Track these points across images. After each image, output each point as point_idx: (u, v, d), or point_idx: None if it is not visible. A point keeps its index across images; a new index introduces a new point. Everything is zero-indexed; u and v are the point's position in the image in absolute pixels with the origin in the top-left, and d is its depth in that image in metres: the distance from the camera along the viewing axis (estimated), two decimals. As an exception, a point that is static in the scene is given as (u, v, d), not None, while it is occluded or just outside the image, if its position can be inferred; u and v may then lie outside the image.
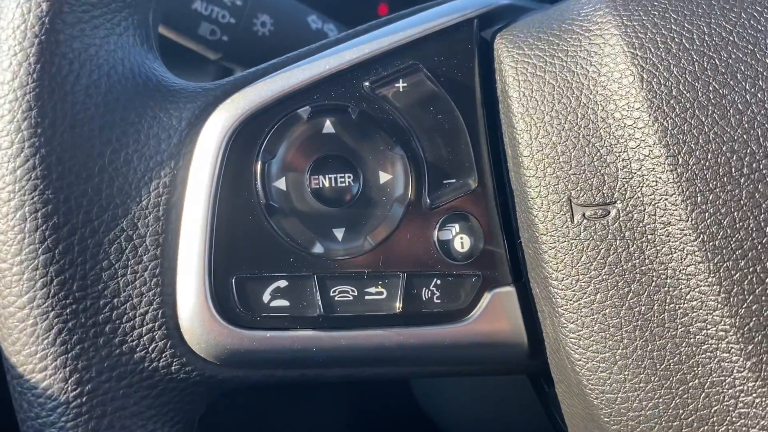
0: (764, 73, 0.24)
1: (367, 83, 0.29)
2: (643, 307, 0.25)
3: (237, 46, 0.42)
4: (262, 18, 0.41)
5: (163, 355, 0.27)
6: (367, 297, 0.28)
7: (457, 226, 0.29)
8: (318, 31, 0.44)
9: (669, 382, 0.25)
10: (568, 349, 0.26)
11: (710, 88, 0.25)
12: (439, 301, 0.29)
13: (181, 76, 0.38)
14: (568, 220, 0.27)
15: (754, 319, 0.24)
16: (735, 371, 0.24)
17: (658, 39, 0.26)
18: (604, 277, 0.26)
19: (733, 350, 0.24)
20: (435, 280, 0.29)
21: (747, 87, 0.24)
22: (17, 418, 0.27)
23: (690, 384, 0.25)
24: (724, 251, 0.24)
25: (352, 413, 0.70)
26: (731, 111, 0.24)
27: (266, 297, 0.28)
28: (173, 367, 0.27)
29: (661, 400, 0.25)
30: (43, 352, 0.26)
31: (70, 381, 0.26)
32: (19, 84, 0.25)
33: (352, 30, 0.32)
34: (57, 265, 0.25)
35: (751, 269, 0.24)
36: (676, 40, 0.25)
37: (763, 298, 0.23)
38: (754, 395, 0.23)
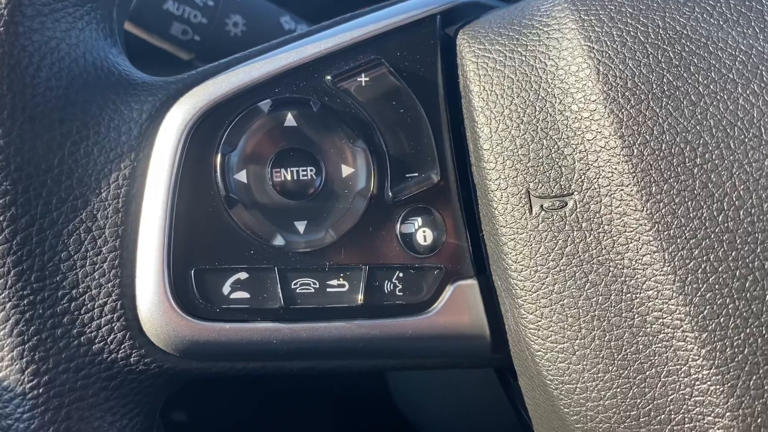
0: (716, 65, 0.25)
1: (329, 77, 0.29)
2: (600, 297, 0.26)
3: (209, 46, 0.42)
4: (234, 18, 0.42)
5: (122, 347, 0.27)
6: (328, 289, 0.29)
7: (419, 219, 0.29)
8: (290, 31, 0.44)
9: (626, 372, 0.25)
10: (527, 340, 0.27)
11: (664, 81, 0.25)
12: (401, 293, 0.29)
13: (153, 74, 0.39)
14: (527, 212, 0.27)
15: (707, 307, 0.24)
16: (690, 360, 0.24)
17: (614, 33, 0.26)
18: (561, 267, 0.26)
19: (688, 339, 0.24)
20: (397, 272, 0.29)
21: (699, 79, 0.25)
22: None
23: (647, 373, 0.25)
24: (679, 241, 0.24)
25: (335, 421, 0.70)
26: (685, 102, 0.25)
27: (226, 289, 0.28)
28: (132, 359, 0.27)
29: (619, 389, 0.25)
30: (8, 346, 0.26)
31: (26, 372, 0.26)
32: None
33: (317, 25, 0.32)
34: (14, 256, 0.26)
35: (704, 258, 0.24)
36: (632, 33, 0.26)
37: (717, 286, 0.24)
38: (709, 383, 0.24)
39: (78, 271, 0.27)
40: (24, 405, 0.26)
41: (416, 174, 0.29)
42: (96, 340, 0.27)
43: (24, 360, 0.26)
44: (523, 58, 0.27)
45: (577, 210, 0.26)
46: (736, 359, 0.24)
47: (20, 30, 0.25)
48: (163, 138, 0.28)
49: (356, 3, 0.57)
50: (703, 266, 0.24)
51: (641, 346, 0.25)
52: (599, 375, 0.25)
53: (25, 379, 0.26)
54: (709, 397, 0.24)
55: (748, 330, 0.24)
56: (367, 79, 0.29)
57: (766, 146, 0.24)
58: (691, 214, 0.24)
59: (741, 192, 0.24)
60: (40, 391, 0.26)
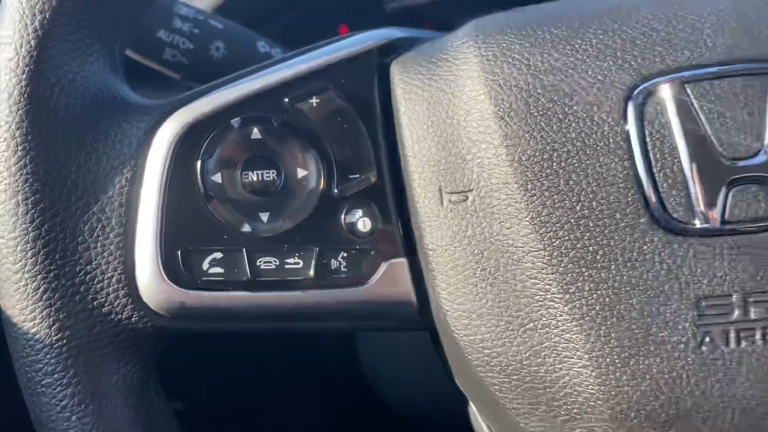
0: (578, 91, 0.31)
1: (287, 99, 0.35)
2: (492, 269, 0.32)
3: (196, 68, 0.47)
4: (217, 43, 0.47)
5: (125, 309, 0.33)
6: (286, 266, 0.34)
7: (360, 210, 0.35)
8: (266, 54, 0.50)
9: (512, 326, 0.32)
10: (441, 304, 0.33)
11: (540, 102, 0.32)
12: (344, 269, 0.35)
13: (150, 92, 0.45)
14: (439, 204, 0.33)
15: (569, 275, 0.30)
16: (558, 315, 0.31)
17: (504, 66, 0.32)
18: (464, 246, 0.33)
19: (555, 299, 0.31)
20: (342, 253, 0.35)
21: (566, 101, 0.31)
22: (12, 360, 0.33)
23: (527, 326, 0.31)
24: (548, 225, 0.31)
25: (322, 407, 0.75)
26: (554, 119, 0.31)
27: (205, 265, 0.34)
28: (133, 319, 0.33)
29: (507, 339, 0.32)
30: (32, 306, 0.32)
31: (53, 328, 0.32)
32: (14, 102, 0.32)
33: (282, 56, 0.39)
34: (43, 240, 0.32)
35: (567, 238, 0.31)
36: (516, 66, 0.32)
37: (575, 260, 0.30)
38: (572, 333, 0.30)
39: (91, 252, 0.33)
40: (51, 353, 0.32)
41: (358, 175, 0.35)
42: (105, 305, 0.33)
43: (51, 319, 0.32)
44: (438, 85, 0.33)
45: (475, 202, 0.32)
46: (590, 314, 0.30)
47: (46, 67, 0.32)
48: (156, 148, 0.34)
49: (317, 27, 0.63)
50: (565, 244, 0.31)
51: (522, 306, 0.31)
52: (492, 329, 0.32)
53: (52, 333, 0.32)
54: (572, 344, 0.31)
55: (599, 292, 0.30)
56: (318, 100, 0.35)
57: (612, 153, 0.31)
58: (557, 205, 0.31)
59: (594, 188, 0.31)
60: (63, 342, 0.32)
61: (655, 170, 0.30)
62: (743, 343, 0.29)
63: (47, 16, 0.31)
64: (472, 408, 0.37)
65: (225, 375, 0.69)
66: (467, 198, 0.33)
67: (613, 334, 0.30)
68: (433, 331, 0.37)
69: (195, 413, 0.56)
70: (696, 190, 0.30)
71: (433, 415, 0.46)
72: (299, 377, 0.64)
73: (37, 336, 0.32)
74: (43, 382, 0.32)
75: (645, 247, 0.30)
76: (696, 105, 0.30)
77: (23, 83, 0.32)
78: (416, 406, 0.52)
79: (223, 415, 0.65)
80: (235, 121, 0.34)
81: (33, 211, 0.32)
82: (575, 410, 0.31)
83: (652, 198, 0.30)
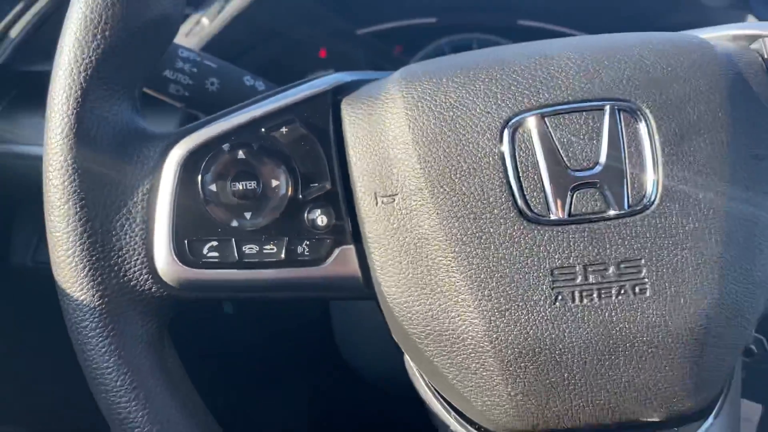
0: (469, 122, 0.40)
1: (263, 129, 0.42)
2: (411, 251, 0.40)
3: (195, 99, 0.56)
4: (212, 79, 0.56)
5: (147, 283, 0.41)
6: (264, 251, 0.42)
7: (319, 210, 0.43)
8: (251, 86, 0.58)
9: (425, 291, 0.40)
10: (377, 278, 0.42)
11: (443, 131, 0.40)
12: (307, 253, 0.42)
13: (160, 116, 0.55)
14: (375, 205, 0.41)
15: (463, 253, 0.39)
16: (456, 282, 0.39)
17: (419, 104, 0.41)
18: (392, 235, 0.41)
19: (454, 271, 0.39)
20: (305, 241, 0.43)
21: (461, 130, 0.40)
22: (66, 321, 0.42)
23: (436, 291, 0.40)
24: (448, 218, 0.39)
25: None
26: (452, 143, 0.40)
27: (205, 251, 0.42)
28: (152, 290, 0.42)
29: (422, 301, 0.40)
30: (80, 281, 0.40)
31: (94, 297, 0.40)
32: (65, 134, 0.40)
33: (262, 94, 0.47)
34: (87, 233, 0.40)
35: (461, 226, 0.39)
36: (427, 104, 0.41)
37: (465, 238, 0.39)
38: (466, 294, 0.39)
39: (121, 241, 0.41)
40: (93, 314, 0.40)
41: (317, 184, 0.43)
42: (132, 280, 0.41)
43: (93, 290, 0.40)
44: (374, 118, 0.42)
45: (400, 203, 0.41)
46: (477, 280, 0.39)
47: (87, 108, 0.40)
48: (167, 167, 0.42)
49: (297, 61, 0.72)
50: (460, 232, 0.39)
51: (432, 277, 0.40)
52: (412, 294, 0.40)
53: (94, 300, 0.40)
54: (466, 303, 0.39)
55: (484, 265, 0.39)
56: (286, 130, 0.43)
57: (492, 167, 0.41)
58: (454, 205, 0.39)
59: (479, 191, 0.40)
60: (102, 307, 0.40)
61: (522, 179, 0.40)
62: (585, 300, 0.39)
63: (89, 72, 0.40)
64: (407, 358, 0.47)
65: (214, 347, 0.78)
66: (394, 200, 0.41)
67: (493, 295, 0.39)
68: (376, 300, 0.45)
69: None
70: (550, 192, 0.39)
71: (390, 376, 0.54)
72: (279, 349, 0.73)
73: (84, 302, 0.40)
74: (88, 335, 0.41)
75: (515, 233, 0.40)
76: (552, 132, 0.40)
77: (72, 121, 0.40)
78: (378, 369, 0.60)
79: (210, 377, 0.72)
80: (225, 146, 0.42)
81: (80, 212, 0.40)
82: (470, 350, 0.40)
83: (519, 199, 0.39)
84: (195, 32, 0.75)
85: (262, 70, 0.83)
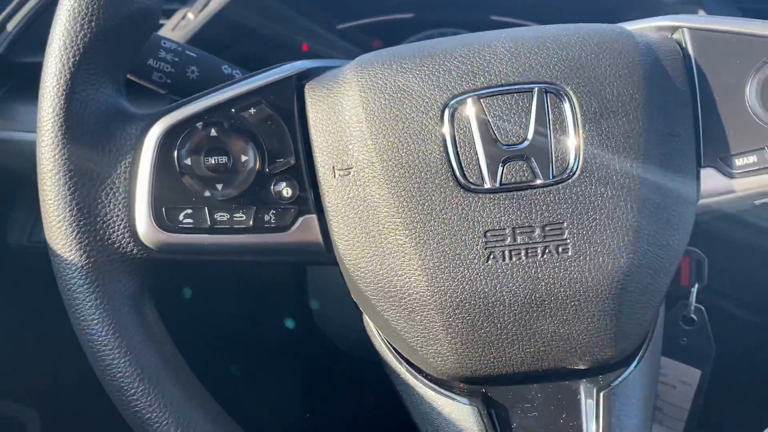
0: (415, 104, 0.44)
1: (233, 109, 0.46)
2: (364, 217, 0.45)
3: (177, 86, 0.59)
4: (192, 68, 0.59)
5: (129, 245, 0.46)
6: (234, 218, 0.46)
7: (284, 183, 0.46)
8: (229, 74, 0.61)
9: (377, 253, 0.45)
10: (335, 242, 0.47)
11: (392, 111, 0.45)
12: (273, 221, 0.46)
13: (144, 101, 0.59)
14: (333, 177, 0.45)
15: (408, 218, 0.44)
16: (403, 244, 0.44)
17: (371, 88, 0.45)
18: (348, 204, 0.45)
19: (401, 234, 0.44)
20: (272, 210, 0.46)
21: (407, 111, 0.45)
22: (56, 280, 0.46)
23: (386, 252, 0.44)
24: (396, 188, 0.44)
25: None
26: (399, 122, 0.44)
27: (181, 217, 0.45)
28: (134, 252, 0.46)
29: (374, 262, 0.45)
30: (71, 243, 0.44)
31: (82, 257, 0.45)
32: (56, 114, 0.44)
33: (234, 79, 0.50)
34: (76, 201, 0.44)
35: (407, 195, 0.44)
36: (379, 88, 0.45)
37: (411, 207, 0.44)
38: (411, 254, 0.44)
39: (106, 208, 0.45)
40: (81, 272, 0.45)
41: (282, 159, 0.46)
42: (116, 242, 0.45)
43: (81, 251, 0.45)
44: (333, 100, 0.47)
45: (355, 176, 0.45)
46: (421, 242, 0.44)
47: (75, 90, 0.44)
48: (147, 143, 0.45)
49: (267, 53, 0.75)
50: (406, 200, 0.44)
51: (383, 240, 0.44)
52: (366, 256, 0.45)
53: (83, 260, 0.45)
54: (411, 261, 0.44)
55: (426, 228, 0.44)
56: (254, 110, 0.46)
57: (434, 143, 0.45)
58: (401, 176, 0.44)
59: (423, 164, 0.44)
60: (90, 266, 0.45)
61: (459, 153, 0.44)
62: (513, 259, 0.44)
63: (77, 59, 0.44)
64: (365, 317, 0.52)
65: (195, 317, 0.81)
66: (350, 173, 0.45)
67: (434, 254, 0.44)
68: (337, 265, 0.49)
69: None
70: (484, 165, 0.44)
71: (357, 342, 0.59)
72: (257, 317, 0.77)
73: (72, 262, 0.45)
74: (76, 291, 0.45)
75: (453, 200, 0.44)
76: (486, 112, 0.44)
77: (62, 102, 0.44)
78: (347, 336, 0.64)
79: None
80: (199, 125, 0.46)
81: (69, 182, 0.44)
82: (415, 304, 0.45)
83: (457, 170, 0.44)
84: (181, 26, 0.80)
85: (246, 62, 0.88)
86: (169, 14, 0.83)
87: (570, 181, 0.44)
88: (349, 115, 0.46)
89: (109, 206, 0.46)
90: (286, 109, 0.47)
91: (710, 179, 0.47)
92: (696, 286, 0.70)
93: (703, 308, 0.71)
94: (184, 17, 0.81)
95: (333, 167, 0.46)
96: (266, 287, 0.78)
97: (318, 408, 0.93)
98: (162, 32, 0.82)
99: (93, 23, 0.45)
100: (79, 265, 0.45)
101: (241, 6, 0.82)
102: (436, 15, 1.02)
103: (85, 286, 0.46)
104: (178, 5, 0.84)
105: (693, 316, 0.71)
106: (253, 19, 0.87)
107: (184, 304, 0.72)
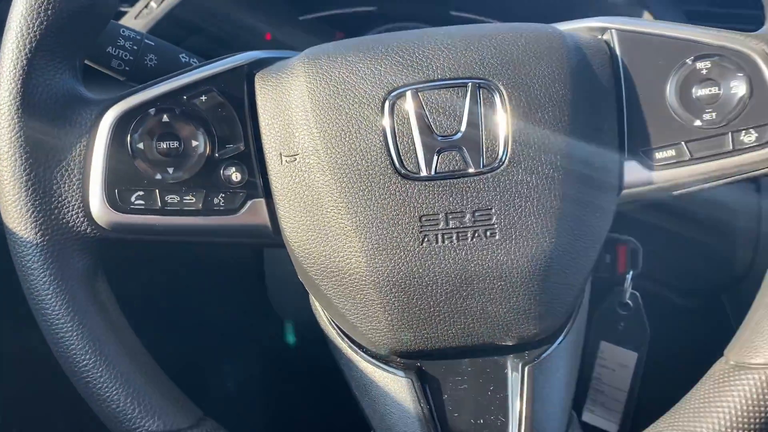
0: (357, 95, 0.47)
1: (185, 97, 0.48)
2: (309, 201, 0.47)
3: (135, 73, 0.60)
4: (150, 56, 0.60)
5: (83, 225, 0.47)
6: (184, 201, 0.48)
7: (233, 168, 0.48)
8: (186, 63, 0.63)
9: (320, 235, 0.47)
10: (282, 225, 0.49)
11: (335, 102, 0.47)
12: (222, 204, 0.48)
13: (102, 87, 0.60)
14: (280, 163, 0.47)
15: (350, 203, 0.46)
16: (345, 227, 0.46)
17: (317, 79, 0.48)
18: (294, 188, 0.47)
19: (343, 217, 0.46)
20: (221, 194, 0.48)
21: (350, 102, 0.47)
22: (12, 256, 0.48)
23: (329, 234, 0.47)
24: (339, 174, 0.46)
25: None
26: (343, 112, 0.47)
27: (133, 198, 0.47)
28: (88, 230, 0.47)
29: (318, 243, 0.47)
30: (26, 222, 0.46)
31: (37, 235, 0.46)
32: (12, 98, 0.45)
33: (188, 67, 0.52)
34: (32, 181, 0.46)
35: (349, 180, 0.46)
36: (324, 79, 0.48)
37: (353, 191, 0.46)
38: (352, 236, 0.46)
39: (61, 189, 0.46)
40: (36, 250, 0.46)
41: (231, 145, 0.48)
42: (70, 221, 0.47)
43: (36, 229, 0.46)
44: (281, 89, 0.49)
45: (300, 162, 0.47)
46: (362, 225, 0.46)
47: (32, 76, 0.46)
48: (102, 127, 0.47)
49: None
50: (348, 185, 0.46)
51: (326, 222, 0.47)
52: (310, 238, 0.47)
53: (37, 238, 0.46)
54: (352, 243, 0.46)
55: (366, 213, 0.46)
56: (205, 98, 0.48)
57: (374, 132, 0.48)
58: (343, 163, 0.46)
59: (364, 153, 0.47)
60: (44, 244, 0.46)
61: (398, 143, 0.47)
62: (446, 242, 0.47)
63: (34, 45, 0.46)
64: (312, 298, 0.54)
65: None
66: (296, 159, 0.47)
67: (374, 237, 0.47)
68: (285, 247, 0.51)
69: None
70: (421, 154, 0.47)
71: (308, 323, 0.62)
72: (213, 299, 0.79)
73: (28, 240, 0.46)
74: (31, 268, 0.46)
75: (391, 187, 0.47)
76: (424, 104, 0.47)
77: (18, 86, 0.45)
78: (304, 320, 0.67)
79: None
80: (152, 111, 0.48)
81: (25, 164, 0.46)
82: (356, 284, 0.48)
83: (396, 159, 0.47)
84: (143, 15, 0.81)
85: (208, 51, 0.89)
86: (132, 2, 0.85)
87: (499, 170, 0.47)
88: (296, 105, 0.48)
89: (63, 187, 0.48)
90: (237, 97, 0.49)
91: (633, 171, 0.51)
92: (631, 273, 0.74)
93: (638, 294, 0.75)
94: (147, 5, 0.83)
95: (280, 154, 0.48)
96: (223, 272, 0.80)
97: (278, 391, 0.95)
98: (125, 20, 0.83)
99: (50, 11, 0.47)
100: (34, 242, 0.47)
101: (202, -4, 0.84)
102: (397, 8, 1.04)
103: (39, 262, 0.47)
104: (141, -7, 0.85)
105: (628, 301, 0.75)
106: (215, 10, 0.88)
107: (141, 290, 0.73)
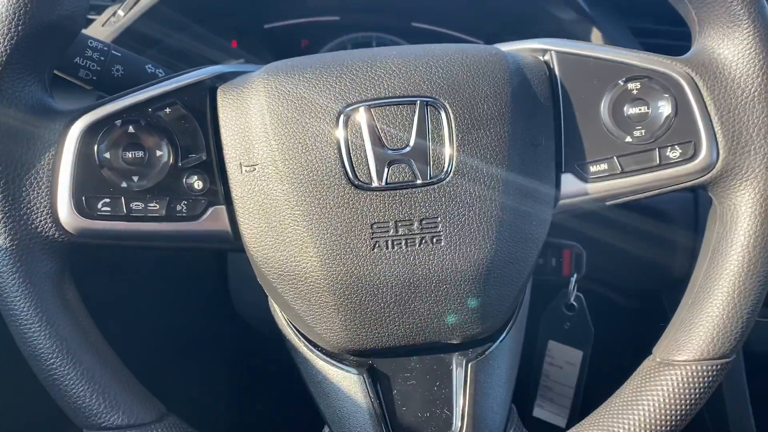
0: (313, 110, 0.50)
1: (150, 109, 0.50)
2: (267, 209, 0.50)
3: (102, 83, 0.62)
4: (117, 66, 0.62)
5: (50, 230, 0.49)
6: (148, 208, 0.50)
7: (196, 176, 0.50)
8: (152, 73, 0.65)
9: (277, 241, 0.50)
10: (242, 231, 0.52)
11: (293, 116, 0.50)
12: (185, 211, 0.50)
13: (70, 95, 0.62)
14: (240, 173, 0.50)
15: (306, 210, 0.49)
16: (298, 232, 0.49)
17: (275, 94, 0.50)
18: (253, 197, 0.50)
19: (299, 224, 0.49)
20: (183, 201, 0.50)
21: (306, 116, 0.50)
22: None
23: (285, 240, 0.50)
24: (295, 183, 0.49)
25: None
26: (299, 126, 0.49)
27: (99, 205, 0.49)
28: (56, 236, 0.49)
29: (275, 249, 0.50)
30: None
31: (7, 239, 0.48)
32: None
33: (154, 80, 0.55)
34: (2, 189, 0.47)
35: (304, 190, 0.49)
36: (282, 94, 0.50)
37: (308, 200, 0.49)
38: (307, 243, 0.49)
39: (30, 196, 0.48)
40: (6, 254, 0.48)
41: (194, 155, 0.50)
42: (39, 227, 0.49)
43: (6, 234, 0.48)
44: (242, 103, 0.51)
45: (259, 172, 0.49)
46: (317, 233, 0.49)
47: (2, 88, 0.47)
48: (70, 137, 0.49)
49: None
50: (303, 194, 0.49)
51: (283, 229, 0.49)
52: (267, 243, 0.50)
53: (7, 243, 0.48)
54: (307, 249, 0.49)
55: (306, 220, 0.49)
56: (169, 110, 0.50)
57: (329, 145, 0.51)
58: (299, 174, 0.49)
59: (319, 164, 0.51)
60: (14, 248, 0.48)
61: (351, 155, 0.50)
62: (395, 248, 0.50)
63: (4, 59, 0.48)
64: (270, 299, 0.57)
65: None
66: (255, 169, 0.49)
67: (328, 243, 0.49)
68: (244, 251, 0.54)
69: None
70: (372, 166, 0.50)
71: (268, 323, 0.65)
72: (179, 307, 0.81)
73: (2, 245, 0.49)
74: (1, 270, 0.48)
75: (345, 196, 0.50)
76: (375, 120, 0.50)
77: None
78: (265, 319, 0.69)
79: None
80: (118, 122, 0.50)
81: None
82: (311, 287, 0.51)
83: (349, 170, 0.50)
84: (111, 23, 0.84)
85: (175, 56, 0.92)
86: (100, 10, 0.87)
87: (444, 182, 0.51)
88: (256, 118, 0.50)
89: (32, 194, 0.49)
90: (200, 109, 0.52)
91: (569, 183, 0.55)
92: (575, 275, 0.79)
93: (581, 296, 0.80)
94: (114, 14, 0.85)
95: (240, 164, 0.50)
96: (188, 275, 0.83)
97: (241, 391, 0.98)
98: (92, 28, 0.85)
99: (20, 27, 0.49)
100: (4, 247, 0.49)
101: (169, 5, 0.86)
102: (360, 19, 1.08)
103: (9, 266, 0.49)
104: (109, 2, 0.87)
105: (573, 303, 0.79)
106: (181, 18, 0.91)
107: (106, 293, 0.75)
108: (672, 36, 0.89)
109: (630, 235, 0.81)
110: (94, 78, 0.63)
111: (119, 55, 0.65)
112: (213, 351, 0.92)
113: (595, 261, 0.81)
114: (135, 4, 0.85)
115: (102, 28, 0.83)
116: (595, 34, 0.91)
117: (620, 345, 0.87)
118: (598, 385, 0.88)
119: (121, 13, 0.84)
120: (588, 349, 0.83)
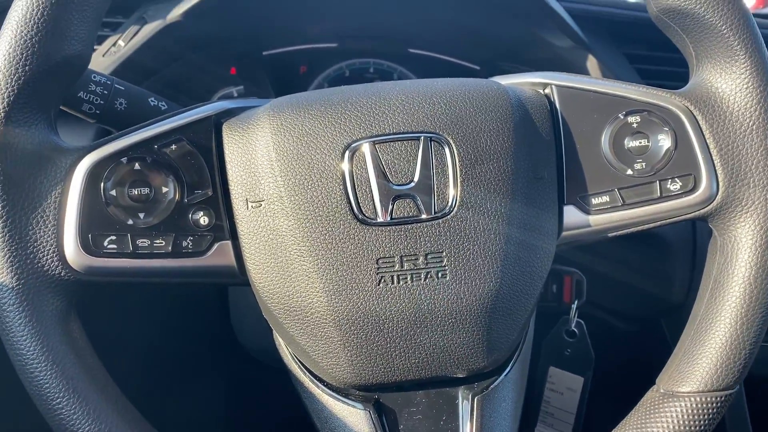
0: (320, 145, 0.50)
1: (156, 146, 0.50)
2: (273, 245, 0.50)
3: (105, 116, 0.62)
4: (120, 100, 0.62)
5: (57, 268, 0.49)
6: (155, 244, 0.50)
7: (201, 212, 0.51)
8: (155, 106, 0.65)
9: (283, 276, 0.50)
10: (247, 266, 0.52)
11: (299, 152, 0.50)
12: (191, 247, 0.50)
13: (75, 130, 0.62)
14: (246, 209, 0.50)
15: (312, 246, 0.49)
16: (307, 269, 0.49)
17: (281, 131, 0.51)
18: (259, 233, 0.50)
19: (305, 260, 0.50)
20: (189, 237, 0.50)
21: (313, 152, 0.50)
22: None
23: (291, 276, 0.50)
24: (301, 219, 0.49)
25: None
26: (305, 161, 0.50)
27: (106, 243, 0.49)
28: (62, 274, 0.49)
29: (281, 284, 0.50)
30: (3, 266, 0.47)
31: (14, 278, 0.48)
32: None
33: (159, 117, 0.54)
34: (8, 227, 0.47)
35: (311, 226, 0.49)
36: (288, 130, 0.51)
37: (314, 235, 0.49)
38: (313, 278, 0.49)
39: (37, 234, 0.48)
40: (12, 293, 0.47)
41: (200, 191, 0.51)
42: (45, 265, 0.48)
43: (12, 273, 0.48)
44: (248, 139, 0.51)
45: (265, 208, 0.49)
46: (323, 268, 0.49)
47: (10, 128, 0.47)
48: (76, 175, 0.49)
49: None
50: (309, 230, 0.49)
51: (289, 264, 0.50)
52: (273, 278, 0.50)
53: (13, 282, 0.48)
54: (313, 284, 0.49)
55: (328, 255, 0.49)
56: (175, 147, 0.51)
57: (335, 180, 0.52)
58: (306, 210, 0.49)
59: (325, 199, 0.51)
60: (20, 287, 0.48)
61: (357, 190, 0.50)
62: (401, 282, 0.50)
63: (11, 99, 0.48)
64: (275, 332, 0.58)
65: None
66: (261, 205, 0.50)
67: (334, 278, 0.50)
68: (250, 286, 0.54)
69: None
70: (378, 201, 0.50)
71: (271, 354, 0.65)
72: (180, 336, 0.81)
73: (4, 282, 0.48)
74: (7, 310, 0.48)
75: (350, 231, 0.50)
76: (380, 155, 0.51)
77: None
78: (268, 349, 0.70)
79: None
80: (124, 159, 0.50)
81: (2, 210, 0.47)
82: (317, 322, 0.51)
83: (354, 206, 0.50)
84: (111, 53, 0.84)
85: (176, 84, 0.92)
86: (101, 40, 0.88)
87: (449, 216, 0.51)
88: (262, 153, 0.51)
89: (39, 232, 0.49)
90: (205, 146, 0.52)
91: (571, 215, 0.56)
92: (576, 302, 0.79)
93: (582, 322, 0.80)
94: (114, 44, 0.85)
95: (246, 200, 0.51)
96: (189, 305, 0.83)
97: (240, 420, 0.97)
98: (93, 58, 0.85)
99: (27, 67, 0.49)
100: (11, 285, 0.49)
101: (169, 35, 0.87)
102: (358, 45, 1.09)
103: (15, 305, 0.49)
104: (110, 32, 0.88)
105: (574, 329, 0.80)
106: (181, 47, 0.91)
107: (110, 322, 0.75)
108: (666, 62, 0.90)
109: (629, 260, 0.82)
110: (98, 112, 0.63)
111: (122, 88, 0.65)
112: (214, 380, 0.92)
113: (594, 285, 0.82)
114: (136, 33, 0.86)
115: (102, 59, 0.84)
116: (591, 60, 0.92)
117: (620, 370, 0.88)
118: (599, 410, 0.88)
119: (121, 43, 0.84)
120: (589, 375, 0.83)
